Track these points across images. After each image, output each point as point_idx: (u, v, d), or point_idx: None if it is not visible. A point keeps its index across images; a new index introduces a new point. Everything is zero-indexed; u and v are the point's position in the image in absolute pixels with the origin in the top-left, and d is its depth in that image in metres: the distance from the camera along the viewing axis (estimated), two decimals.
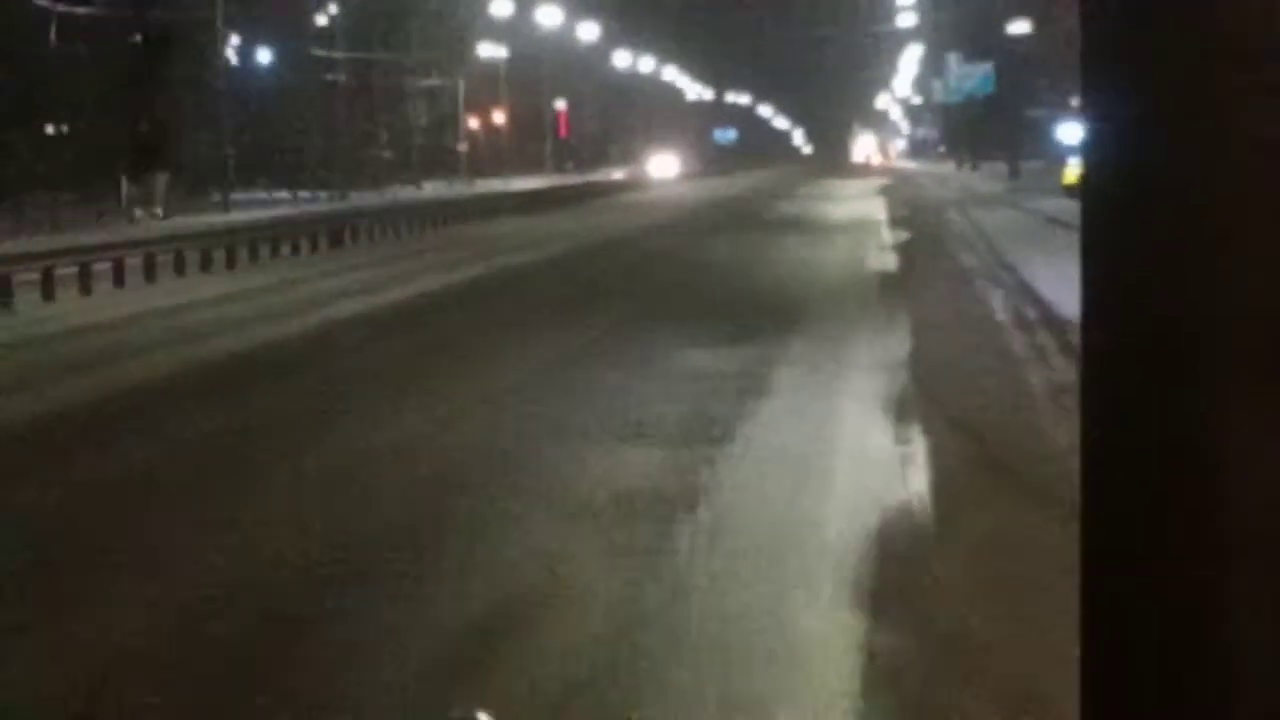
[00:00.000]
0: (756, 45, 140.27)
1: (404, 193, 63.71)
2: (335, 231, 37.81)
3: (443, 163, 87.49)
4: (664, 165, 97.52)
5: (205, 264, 29.95)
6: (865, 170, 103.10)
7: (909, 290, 23.22)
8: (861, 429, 12.34)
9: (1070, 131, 47.58)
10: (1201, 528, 1.34)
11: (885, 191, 63.09)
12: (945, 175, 79.59)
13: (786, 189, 69.12)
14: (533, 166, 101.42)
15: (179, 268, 29.15)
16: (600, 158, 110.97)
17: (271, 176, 65.16)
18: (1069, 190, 45.50)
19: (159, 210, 47.88)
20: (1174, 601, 1.35)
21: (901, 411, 12.90)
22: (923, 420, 12.42)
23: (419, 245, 37.13)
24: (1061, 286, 21.08)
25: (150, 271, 27.81)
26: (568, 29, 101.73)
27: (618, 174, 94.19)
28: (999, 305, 21.17)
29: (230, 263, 30.92)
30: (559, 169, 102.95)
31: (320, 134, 74.09)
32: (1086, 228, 1.39)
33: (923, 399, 13.47)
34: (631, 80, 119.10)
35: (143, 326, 21.21)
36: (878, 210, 48.04)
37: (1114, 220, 1.39)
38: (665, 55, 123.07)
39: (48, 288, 24.84)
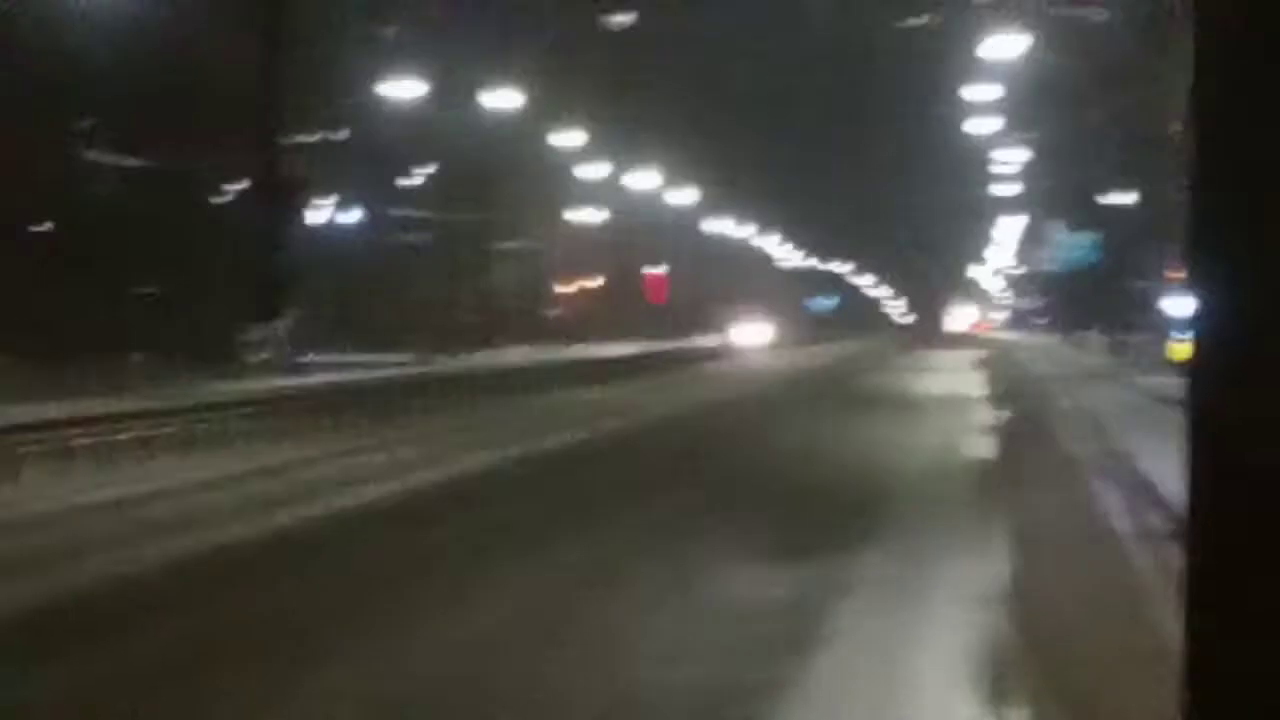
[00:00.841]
0: (856, 213, 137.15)
1: (479, 358, 60.41)
2: (385, 404, 34.29)
3: (537, 327, 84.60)
4: (753, 333, 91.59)
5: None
6: (963, 341, 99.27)
7: (1009, 488, 19.58)
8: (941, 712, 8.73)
9: (1176, 304, 43.81)
10: None
11: (983, 365, 59.41)
12: (1046, 348, 75.81)
13: (879, 360, 65.66)
14: (629, 331, 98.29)
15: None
16: (695, 324, 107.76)
17: (351, 338, 62.18)
18: (1178, 366, 41.76)
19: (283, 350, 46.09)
20: None
21: (997, 682, 9.26)
22: (1030, 700, 8.78)
23: (468, 420, 33.54)
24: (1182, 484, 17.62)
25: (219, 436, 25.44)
26: (666, 193, 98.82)
27: (710, 341, 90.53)
28: (1115, 508, 17.51)
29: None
30: (652, 335, 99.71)
31: (399, 295, 71.09)
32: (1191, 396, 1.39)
33: (1025, 658, 9.83)
34: (729, 246, 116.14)
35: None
36: (975, 386, 44.38)
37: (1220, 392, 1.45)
38: (765, 220, 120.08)
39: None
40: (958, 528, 16.39)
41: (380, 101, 64.73)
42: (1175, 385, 39.22)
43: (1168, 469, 20.56)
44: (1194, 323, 1.30)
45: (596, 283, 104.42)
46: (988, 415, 32.32)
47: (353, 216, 70.16)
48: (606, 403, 38.07)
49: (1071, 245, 67.29)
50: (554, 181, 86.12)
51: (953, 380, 47.48)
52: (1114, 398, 36.55)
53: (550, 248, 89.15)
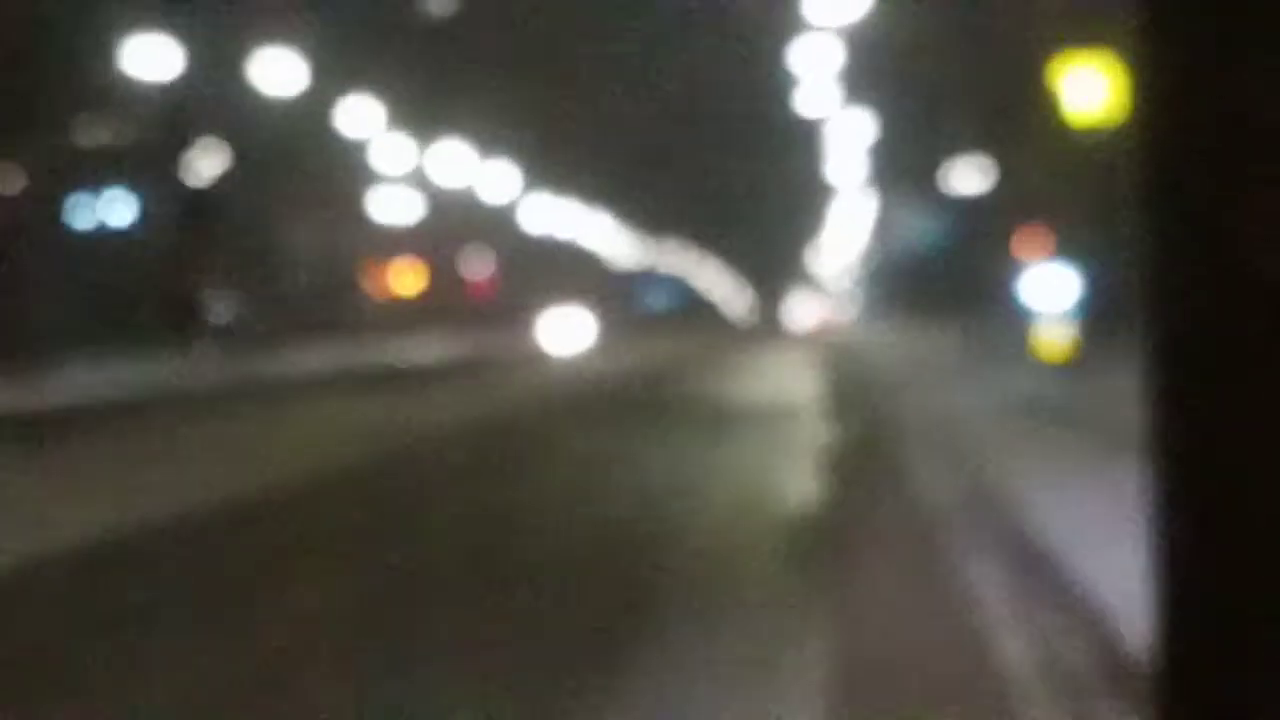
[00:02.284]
0: (690, 205, 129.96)
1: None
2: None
3: (348, 323, 77.86)
4: (569, 331, 78.54)
5: None
6: (803, 337, 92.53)
7: (834, 571, 12.42)
8: None
9: (1039, 286, 36.78)
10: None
11: (820, 364, 52.35)
12: (892, 342, 68.97)
13: (709, 359, 58.42)
14: (450, 328, 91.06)
15: None
16: (519, 319, 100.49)
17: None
18: (1042, 361, 34.76)
19: None
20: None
21: None
22: None
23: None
24: (1101, 554, 10.73)
25: None
26: (484, 176, 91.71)
27: (531, 337, 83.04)
28: (1001, 616, 10.35)
29: None
30: (467, 331, 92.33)
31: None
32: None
33: None
34: (557, 244, 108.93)
35: None
36: (809, 388, 37.14)
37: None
38: (594, 208, 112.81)
39: None
40: (749, 658, 9.29)
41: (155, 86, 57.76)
42: (1044, 387, 32.30)
43: (1067, 522, 13.48)
44: (1150, 333, 1.20)
45: (414, 273, 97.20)
46: (818, 433, 25.04)
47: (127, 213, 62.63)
48: (374, 417, 30.80)
49: (915, 228, 60.37)
50: (355, 164, 78.99)
51: (786, 382, 40.23)
52: (972, 405, 29.47)
53: (354, 233, 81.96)
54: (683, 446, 23.17)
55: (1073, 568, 11.07)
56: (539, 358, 65.27)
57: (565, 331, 76.39)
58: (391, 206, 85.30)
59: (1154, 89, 1.34)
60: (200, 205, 64.38)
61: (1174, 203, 1.39)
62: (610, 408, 34.54)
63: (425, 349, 64.66)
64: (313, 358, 51.90)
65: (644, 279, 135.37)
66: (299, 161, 71.84)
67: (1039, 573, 11.60)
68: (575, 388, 43.20)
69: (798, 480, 18.57)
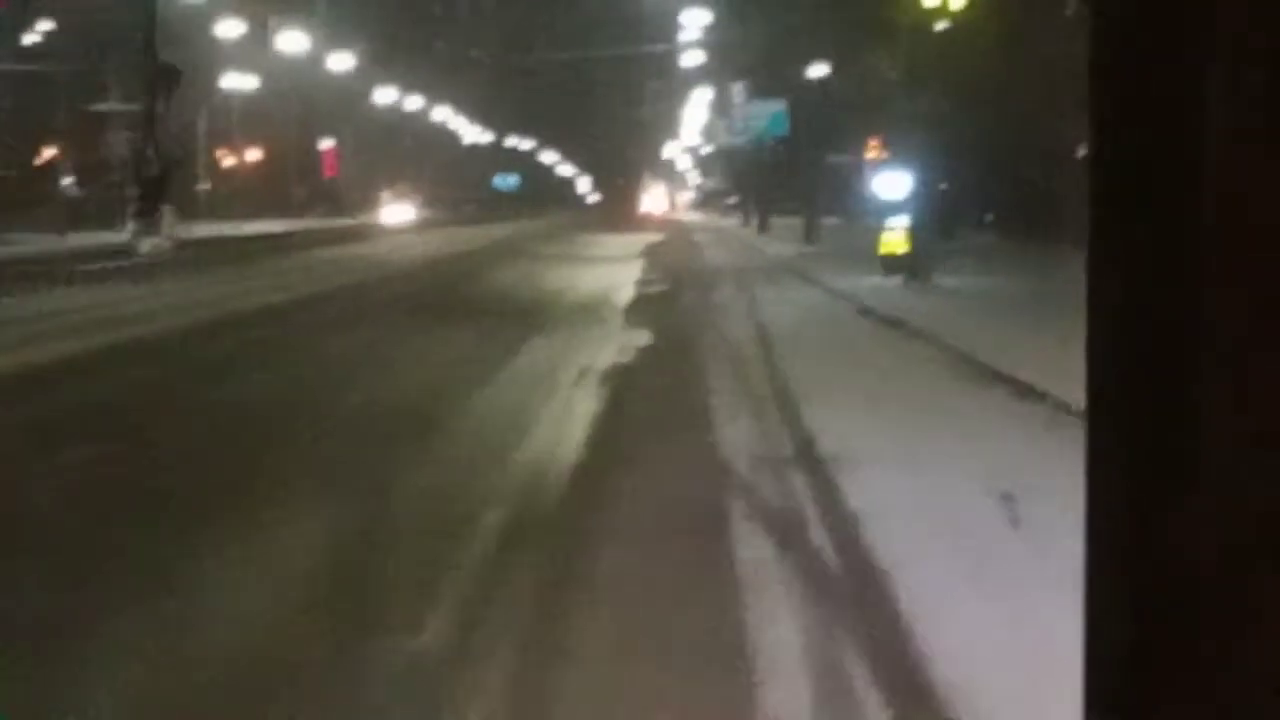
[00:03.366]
0: (538, 89, 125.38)
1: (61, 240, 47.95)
2: None
3: (190, 202, 73.51)
4: (400, 211, 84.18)
5: None
6: (645, 223, 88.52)
7: (611, 513, 8.79)
8: None
9: (890, 184, 33.16)
10: (1201, 535, 1.27)
11: (651, 252, 48.33)
12: (730, 232, 65.10)
13: (534, 244, 54.21)
14: (292, 210, 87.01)
15: None
16: (366, 201, 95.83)
17: None
18: (887, 261, 31.09)
19: None
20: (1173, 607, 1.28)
21: None
22: None
23: None
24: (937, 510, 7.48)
25: None
26: (331, 64, 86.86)
27: (366, 219, 79.64)
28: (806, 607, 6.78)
29: None
30: (308, 212, 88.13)
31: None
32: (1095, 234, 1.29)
33: None
34: (402, 120, 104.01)
35: None
36: (627, 283, 33.17)
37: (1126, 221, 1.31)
38: (439, 95, 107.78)
39: None
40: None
41: None
42: (883, 289, 28.74)
43: (900, 468, 10.22)
44: (1091, 309, 1.17)
45: (256, 156, 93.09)
46: (623, 338, 21.14)
47: None
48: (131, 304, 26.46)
49: (755, 115, 56.42)
50: (192, 42, 73.91)
51: (604, 275, 36.19)
52: (803, 308, 25.73)
53: (185, 114, 76.82)
54: (467, 347, 19.39)
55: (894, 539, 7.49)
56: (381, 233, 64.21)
57: (398, 211, 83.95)
58: (239, 90, 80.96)
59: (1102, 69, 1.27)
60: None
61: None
62: (416, 290, 30.54)
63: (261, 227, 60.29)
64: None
65: (496, 161, 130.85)
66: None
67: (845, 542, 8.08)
68: (395, 268, 39.15)
69: (582, 403, 14.79)
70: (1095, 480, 1.35)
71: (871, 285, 28.54)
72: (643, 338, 21.13)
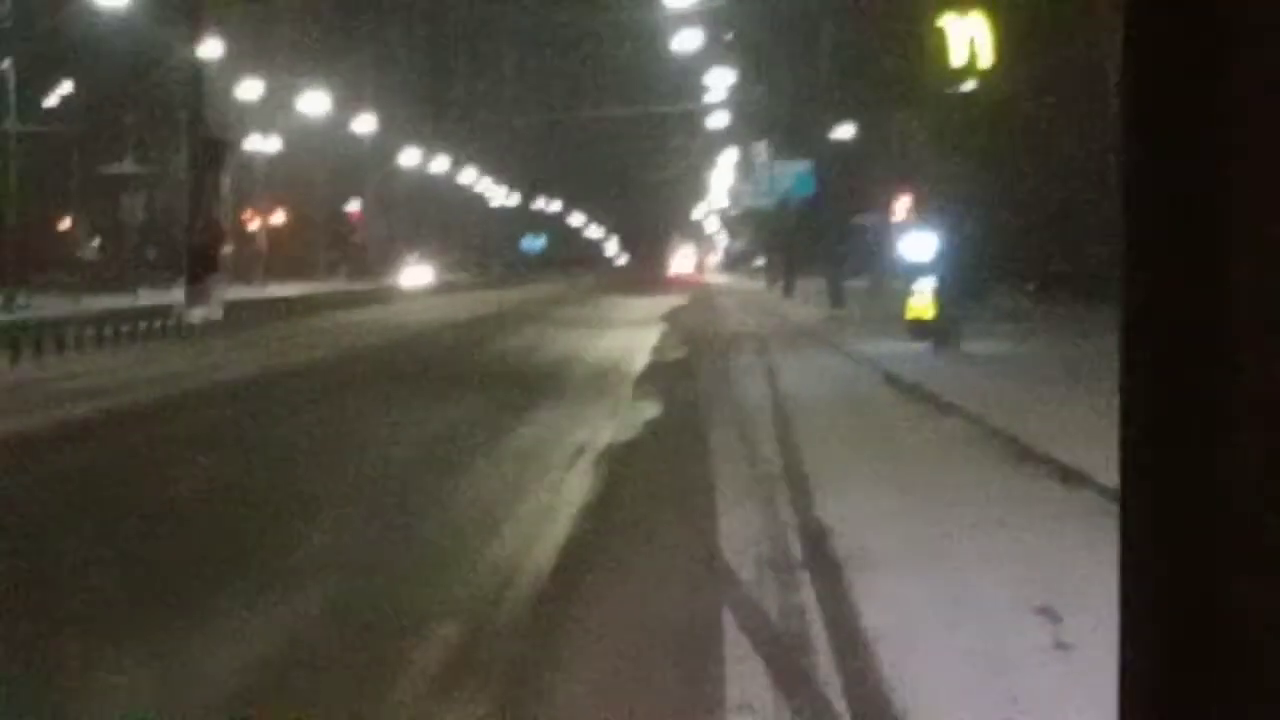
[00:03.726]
0: (563, 149, 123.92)
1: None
2: None
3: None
4: (419, 274, 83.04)
5: None
6: (670, 286, 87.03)
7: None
8: None
9: (914, 246, 31.59)
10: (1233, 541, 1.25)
11: (673, 317, 46.71)
12: (756, 295, 63.52)
13: (555, 308, 52.60)
14: (317, 272, 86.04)
15: None
16: (390, 264, 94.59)
17: None
18: (914, 326, 29.50)
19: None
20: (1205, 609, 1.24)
21: None
22: None
23: None
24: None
25: None
26: (355, 125, 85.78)
27: (385, 282, 78.37)
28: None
29: None
30: (333, 275, 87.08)
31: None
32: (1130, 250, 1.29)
33: None
34: (428, 182, 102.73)
35: None
36: (644, 349, 31.52)
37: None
38: (465, 156, 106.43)
39: None
40: None
41: None
42: (914, 356, 27.08)
43: (932, 572, 8.60)
44: (1125, 322, 1.19)
45: (280, 219, 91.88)
46: (626, 415, 19.54)
47: None
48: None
49: (781, 175, 54.82)
50: (213, 104, 72.73)
51: (621, 340, 34.55)
52: (827, 379, 24.10)
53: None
54: (455, 427, 17.83)
55: None
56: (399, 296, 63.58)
57: (415, 274, 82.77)
58: (264, 154, 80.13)
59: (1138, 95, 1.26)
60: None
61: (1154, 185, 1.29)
62: (416, 360, 28.99)
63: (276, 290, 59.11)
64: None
65: (524, 223, 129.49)
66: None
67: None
68: (402, 332, 37.69)
69: (562, 508, 13.15)
70: (1129, 524, 1.31)
71: (898, 351, 26.96)
72: (650, 410, 19.54)
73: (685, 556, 10.31)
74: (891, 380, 22.33)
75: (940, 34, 31.51)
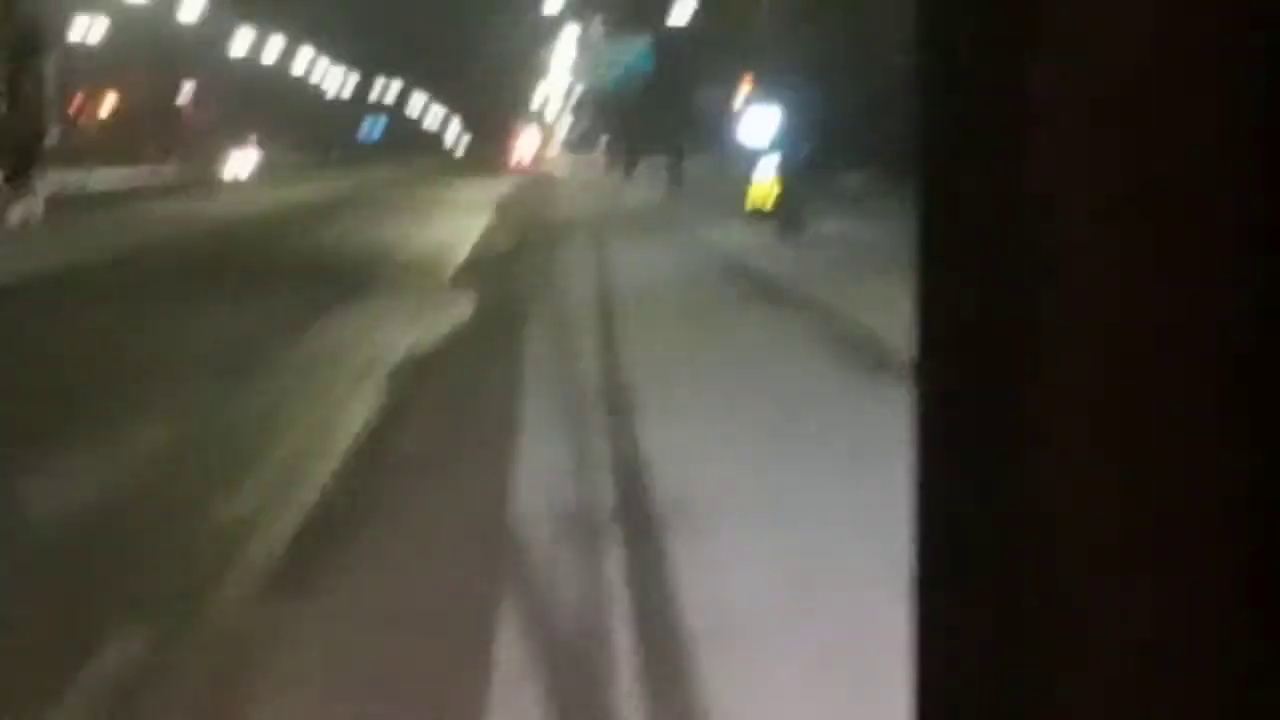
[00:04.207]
0: (407, 30, 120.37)
1: None
2: None
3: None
4: (246, 160, 78.48)
5: None
6: (512, 170, 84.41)
7: None
8: None
9: (760, 124, 29.44)
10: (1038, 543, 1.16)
11: (507, 201, 44.29)
12: (596, 178, 61.11)
13: (386, 192, 50.01)
14: (145, 160, 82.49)
15: None
16: (223, 151, 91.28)
17: None
18: (757, 209, 27.40)
19: None
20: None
21: None
22: None
23: None
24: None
25: None
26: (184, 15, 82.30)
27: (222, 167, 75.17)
28: None
29: None
30: (163, 162, 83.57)
31: None
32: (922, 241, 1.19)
33: None
34: (264, 66, 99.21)
35: None
36: (470, 237, 29.16)
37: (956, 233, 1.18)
38: (301, 35, 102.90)
39: None
40: None
41: None
42: (758, 244, 24.96)
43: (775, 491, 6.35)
44: (920, 313, 1.12)
45: (111, 103, 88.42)
46: (434, 316, 17.23)
47: None
48: None
49: (620, 53, 52.37)
50: None
51: (448, 227, 32.05)
52: (663, 267, 21.89)
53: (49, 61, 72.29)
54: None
55: None
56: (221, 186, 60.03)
57: (240, 160, 77.90)
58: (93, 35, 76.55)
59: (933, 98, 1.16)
60: None
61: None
62: (200, 263, 26.45)
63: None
64: None
65: (361, 110, 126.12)
66: None
67: None
68: (209, 227, 35.05)
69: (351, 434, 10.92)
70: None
71: (740, 238, 24.86)
72: (462, 310, 17.25)
73: (462, 518, 8.10)
74: (732, 271, 20.20)
75: None
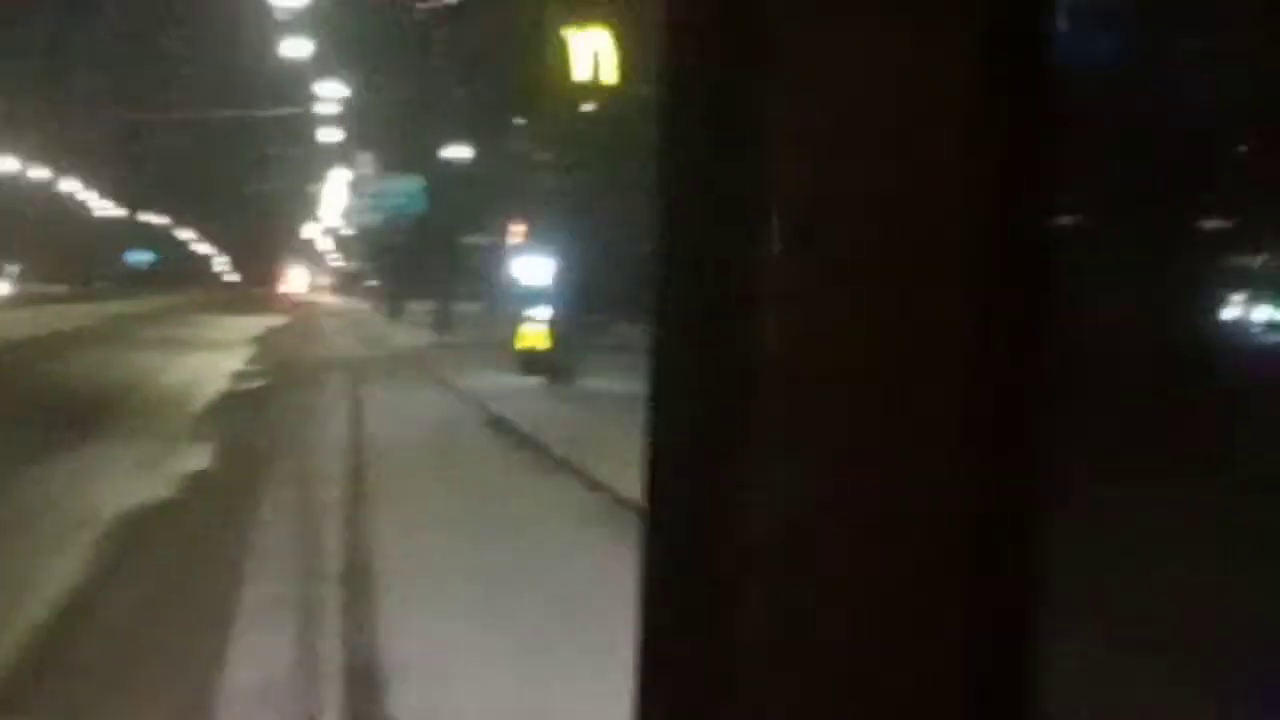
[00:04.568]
0: (174, 162, 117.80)
1: None
2: None
3: None
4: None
5: None
6: (278, 305, 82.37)
7: None
8: None
9: (532, 269, 28.14)
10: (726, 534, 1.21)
11: (268, 338, 42.44)
12: (362, 318, 59.37)
13: (141, 325, 47.62)
14: None
15: None
16: None
17: None
18: (526, 358, 26.00)
19: None
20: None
21: None
22: None
23: None
24: None
25: None
26: None
27: None
28: None
29: None
30: None
31: None
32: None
33: None
34: (26, 190, 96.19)
35: None
36: (221, 376, 27.35)
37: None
38: (65, 165, 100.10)
39: None
40: None
41: None
42: (525, 392, 23.54)
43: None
44: (655, 334, 1.13)
45: None
46: (164, 469, 15.51)
47: None
48: None
49: (390, 192, 50.88)
50: None
51: (201, 364, 30.15)
52: (420, 418, 20.33)
53: None
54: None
55: None
56: None
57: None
58: None
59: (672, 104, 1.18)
60: None
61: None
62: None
63: None
64: None
65: (131, 236, 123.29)
66: None
67: None
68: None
69: None
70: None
71: (508, 386, 23.42)
72: (199, 460, 15.55)
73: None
74: (496, 425, 18.72)
75: (562, 45, 28.25)
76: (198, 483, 14.16)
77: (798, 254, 1.14)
